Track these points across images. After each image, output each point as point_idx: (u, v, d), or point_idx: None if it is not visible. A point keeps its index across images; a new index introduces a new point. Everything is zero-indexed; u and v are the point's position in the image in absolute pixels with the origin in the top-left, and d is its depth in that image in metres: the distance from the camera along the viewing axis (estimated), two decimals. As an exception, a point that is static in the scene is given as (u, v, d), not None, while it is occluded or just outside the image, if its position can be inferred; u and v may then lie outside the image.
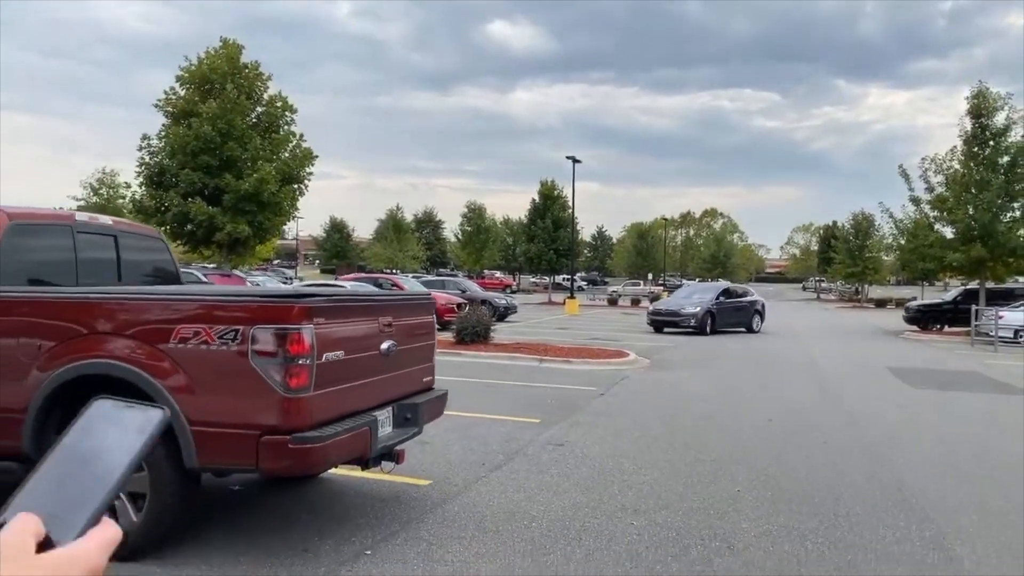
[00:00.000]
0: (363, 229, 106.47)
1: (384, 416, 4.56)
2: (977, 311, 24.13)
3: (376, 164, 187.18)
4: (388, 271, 64.07)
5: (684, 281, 44.77)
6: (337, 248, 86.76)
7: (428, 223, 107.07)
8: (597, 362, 14.52)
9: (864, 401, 10.81)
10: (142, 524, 4.01)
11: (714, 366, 14.75)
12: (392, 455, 4.75)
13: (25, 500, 0.59)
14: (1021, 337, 22.45)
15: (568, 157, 34.93)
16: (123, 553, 3.90)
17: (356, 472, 5.77)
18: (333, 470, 5.73)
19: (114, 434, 0.63)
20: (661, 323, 23.52)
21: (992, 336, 22.12)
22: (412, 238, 74.12)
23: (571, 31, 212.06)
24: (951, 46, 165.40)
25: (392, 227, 71.48)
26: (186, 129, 19.96)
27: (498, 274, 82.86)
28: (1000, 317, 22.92)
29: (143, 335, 4.00)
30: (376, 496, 5.46)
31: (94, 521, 0.58)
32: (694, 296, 25.10)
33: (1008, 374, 14.89)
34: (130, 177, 23.82)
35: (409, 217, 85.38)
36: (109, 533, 0.58)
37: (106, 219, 5.64)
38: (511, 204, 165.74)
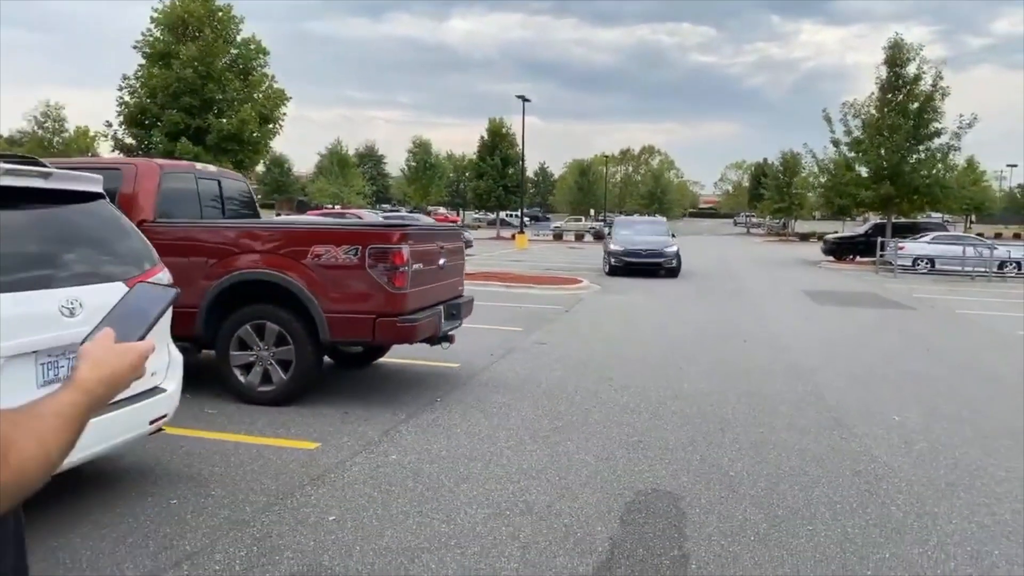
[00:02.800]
0: (300, 163, 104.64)
1: (441, 311, 6.51)
2: (883, 243, 27.28)
3: (308, 95, 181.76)
4: (332, 207, 64.45)
5: (614, 217, 45.14)
6: (278, 183, 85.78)
7: (370, 158, 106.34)
8: (556, 287, 16.68)
9: (778, 315, 13.29)
10: (289, 381, 5.89)
11: (656, 292, 17.08)
12: (448, 338, 6.73)
13: (103, 324, 1.04)
14: (918, 264, 25.68)
15: (518, 96, 36.34)
16: (279, 399, 5.84)
17: (407, 359, 7.76)
18: (389, 358, 7.71)
19: (150, 298, 1.12)
20: (635, 266, 20.53)
21: (893, 264, 25.28)
22: (357, 173, 74.24)
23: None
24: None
25: (336, 162, 71.45)
26: (166, 71, 20.66)
27: (442, 210, 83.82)
28: (901, 248, 26.09)
29: (291, 252, 5.80)
30: (431, 374, 7.45)
31: (141, 339, 1.04)
32: (649, 235, 22.04)
33: (898, 294, 17.79)
34: (79, 111, 24.14)
35: (350, 151, 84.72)
36: (150, 344, 1.05)
37: (212, 168, 7.28)
38: (451, 138, 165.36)
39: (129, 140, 21.85)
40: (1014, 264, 25.70)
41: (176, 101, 20.81)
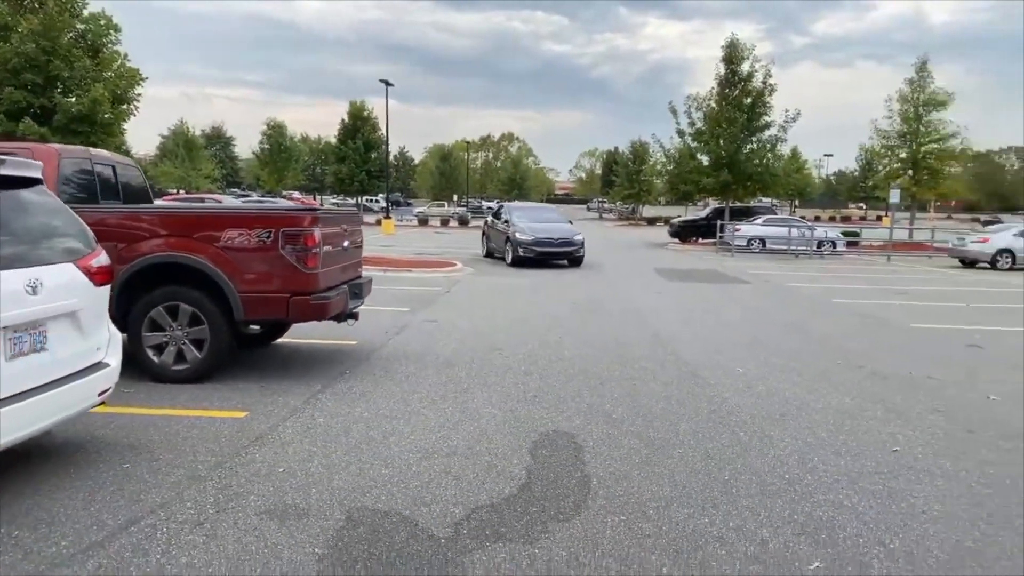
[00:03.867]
0: (140, 145, 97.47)
1: (347, 290, 6.97)
2: (722, 225, 30.09)
3: (144, 70, 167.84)
4: (178, 191, 60.76)
5: (494, 204, 45.55)
6: (115, 166, 79.39)
7: (218, 139, 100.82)
8: (432, 270, 17.27)
9: (637, 291, 14.67)
10: (203, 359, 6.17)
11: (524, 273, 18.10)
12: (353, 315, 7.21)
13: None
14: (752, 244, 28.60)
15: (381, 81, 36.17)
16: (193, 377, 6.11)
17: (305, 339, 8.13)
18: (288, 338, 8.04)
19: None
20: (547, 256, 19.27)
21: (730, 244, 28.01)
22: (205, 156, 70.29)
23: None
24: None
25: (183, 144, 67.26)
26: (4, 45, 18.80)
27: (296, 194, 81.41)
28: (737, 230, 28.94)
29: (204, 237, 6.05)
30: (334, 351, 7.86)
31: None
32: (553, 223, 20.85)
33: (736, 270, 19.96)
34: None
35: (196, 132, 79.99)
36: None
37: (106, 152, 7.22)
38: (303, 118, 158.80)
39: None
40: (830, 243, 29.26)
41: (16, 77, 19.09)
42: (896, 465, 4.67)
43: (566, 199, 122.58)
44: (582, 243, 20.04)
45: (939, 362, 8.15)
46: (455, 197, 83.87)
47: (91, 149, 7.13)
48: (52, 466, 4.24)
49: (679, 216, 48.84)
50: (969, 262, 24.56)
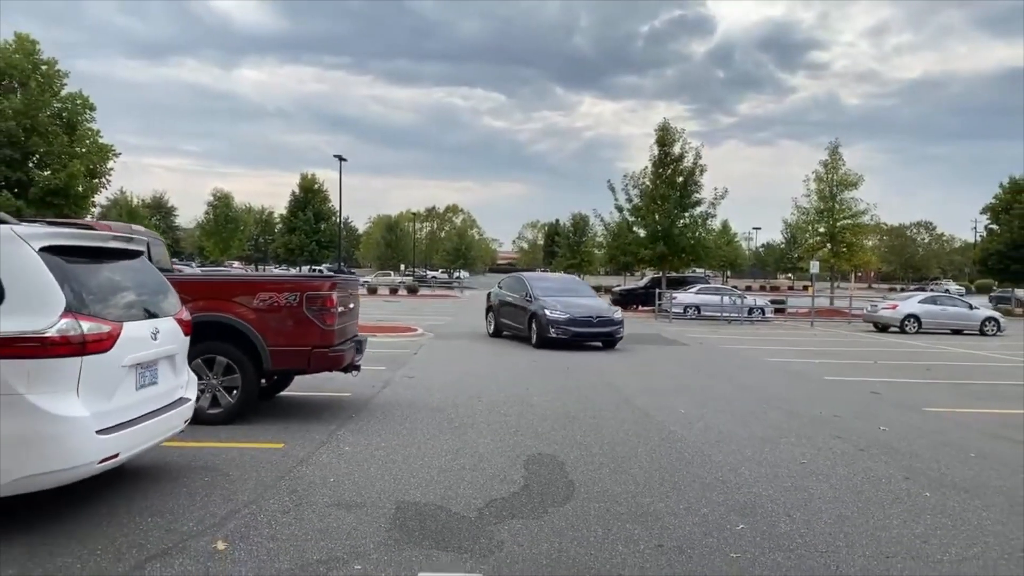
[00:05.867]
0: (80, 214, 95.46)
1: (353, 345, 8.17)
2: (660, 294, 32.18)
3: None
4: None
5: (438, 273, 46.87)
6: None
7: (159, 208, 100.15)
8: (397, 335, 18.41)
9: (588, 351, 16.12)
10: (235, 404, 7.23)
11: (480, 338, 19.38)
12: (357, 367, 8.37)
13: None
14: (688, 311, 30.66)
15: (336, 156, 37.81)
16: (225, 419, 7.16)
17: (303, 392, 9.20)
18: (289, 392, 9.11)
19: None
20: (582, 338, 16.57)
21: (669, 312, 30.00)
22: (150, 225, 69.90)
23: (303, 12, 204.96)
24: (648, 65, 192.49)
25: (127, 213, 66.91)
26: None
27: (236, 264, 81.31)
28: (674, 298, 31.03)
29: (241, 299, 7.21)
30: (333, 401, 8.95)
31: None
32: (586, 298, 18.18)
33: (675, 334, 21.72)
34: None
35: (135, 201, 79.58)
36: None
37: (142, 228, 8.34)
38: (242, 188, 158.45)
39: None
40: (759, 310, 31.60)
41: (-7, 154, 19.82)
42: (803, 471, 6.11)
43: (509, 268, 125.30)
44: (622, 322, 17.26)
45: (845, 405, 9.76)
46: (402, 267, 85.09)
47: (132, 226, 8.24)
48: (149, 481, 5.27)
49: (619, 285, 51.17)
50: (882, 327, 27.07)
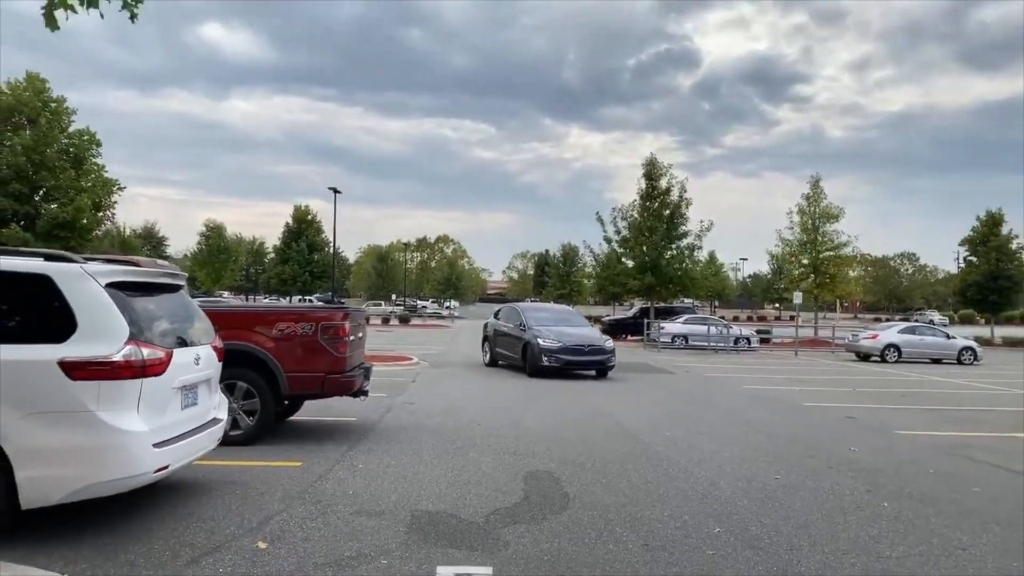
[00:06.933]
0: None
1: (361, 371, 8.76)
2: (649, 323, 32.91)
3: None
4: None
5: (428, 303, 47.47)
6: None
7: (150, 239, 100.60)
8: (395, 363, 18.95)
9: (581, 382, 16.73)
10: (254, 426, 7.79)
11: (474, 367, 19.96)
12: (365, 392, 8.95)
13: None
14: (676, 341, 31.36)
15: (330, 188, 38.57)
16: (244, 441, 7.72)
17: (311, 417, 9.76)
18: (298, 417, 9.67)
19: None
20: (574, 366, 17.16)
21: (657, 341, 30.69)
22: (143, 254, 70.18)
23: (291, 44, 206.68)
24: (635, 97, 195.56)
25: (119, 243, 67.26)
26: None
27: (226, 294, 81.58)
28: (662, 328, 31.75)
29: (262, 329, 7.81)
30: (341, 425, 9.51)
31: None
32: (578, 327, 18.69)
33: (663, 363, 22.38)
34: None
35: (126, 231, 79.98)
36: None
37: (165, 263, 8.92)
38: (233, 218, 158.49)
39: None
40: (745, 340, 32.34)
41: (4, 187, 20.40)
42: (776, 485, 6.73)
43: (498, 298, 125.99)
44: (613, 351, 17.69)
45: (821, 428, 10.41)
46: (393, 296, 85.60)
47: (158, 260, 8.82)
48: (187, 494, 5.82)
49: (608, 315, 51.87)
50: (863, 356, 27.84)
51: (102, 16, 3.95)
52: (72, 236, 21.33)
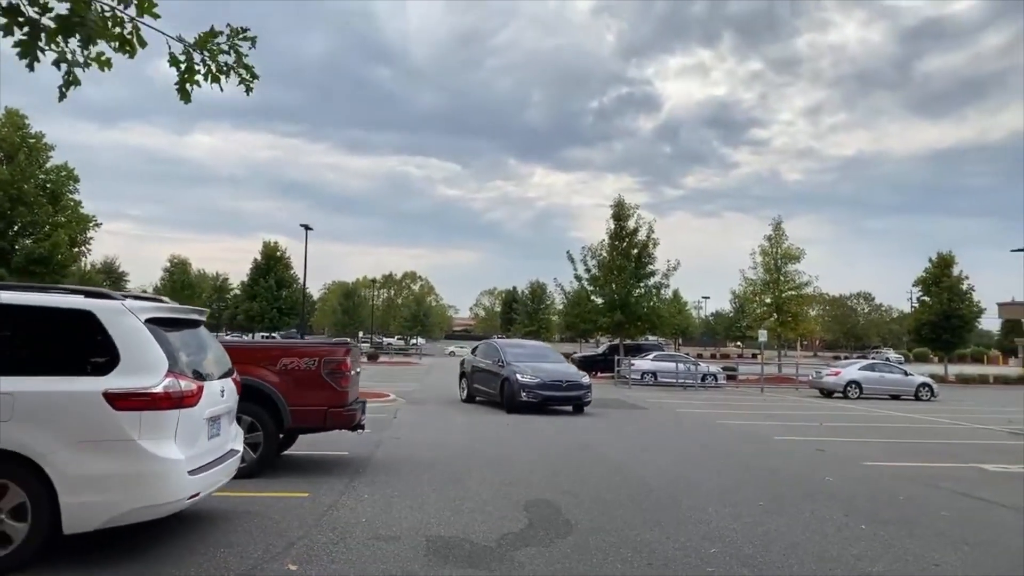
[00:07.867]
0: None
1: (359, 405, 9.03)
2: (619, 360, 33.47)
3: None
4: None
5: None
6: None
7: (109, 273, 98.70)
8: (373, 400, 19.06)
9: (559, 417, 17.10)
10: (258, 459, 8.00)
11: (452, 403, 20.19)
12: (362, 425, 9.20)
13: None
14: (645, 377, 31.95)
15: (302, 225, 38.65)
16: (247, 474, 7.92)
17: (305, 452, 9.96)
18: (292, 451, 9.86)
19: None
20: (553, 401, 17.39)
21: (627, 377, 31.24)
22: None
23: (259, 81, 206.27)
24: (597, 139, 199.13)
25: (80, 278, 65.98)
26: None
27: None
28: (632, 364, 32.34)
29: (266, 364, 8.07)
30: (336, 459, 9.71)
31: None
32: (554, 363, 19.25)
33: (635, 399, 22.87)
34: None
35: (86, 266, 78.46)
36: None
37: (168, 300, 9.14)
38: (194, 254, 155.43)
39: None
40: (712, 376, 33.08)
41: (-22, 223, 20.29)
42: (760, 510, 7.17)
43: (465, 335, 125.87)
44: (590, 386, 18.12)
45: (794, 460, 10.93)
46: (360, 333, 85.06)
47: (162, 298, 9.03)
48: (207, 523, 6.03)
49: (576, 352, 52.41)
50: (827, 392, 28.73)
51: (222, 89, 4.40)
52: (48, 272, 21.18)
